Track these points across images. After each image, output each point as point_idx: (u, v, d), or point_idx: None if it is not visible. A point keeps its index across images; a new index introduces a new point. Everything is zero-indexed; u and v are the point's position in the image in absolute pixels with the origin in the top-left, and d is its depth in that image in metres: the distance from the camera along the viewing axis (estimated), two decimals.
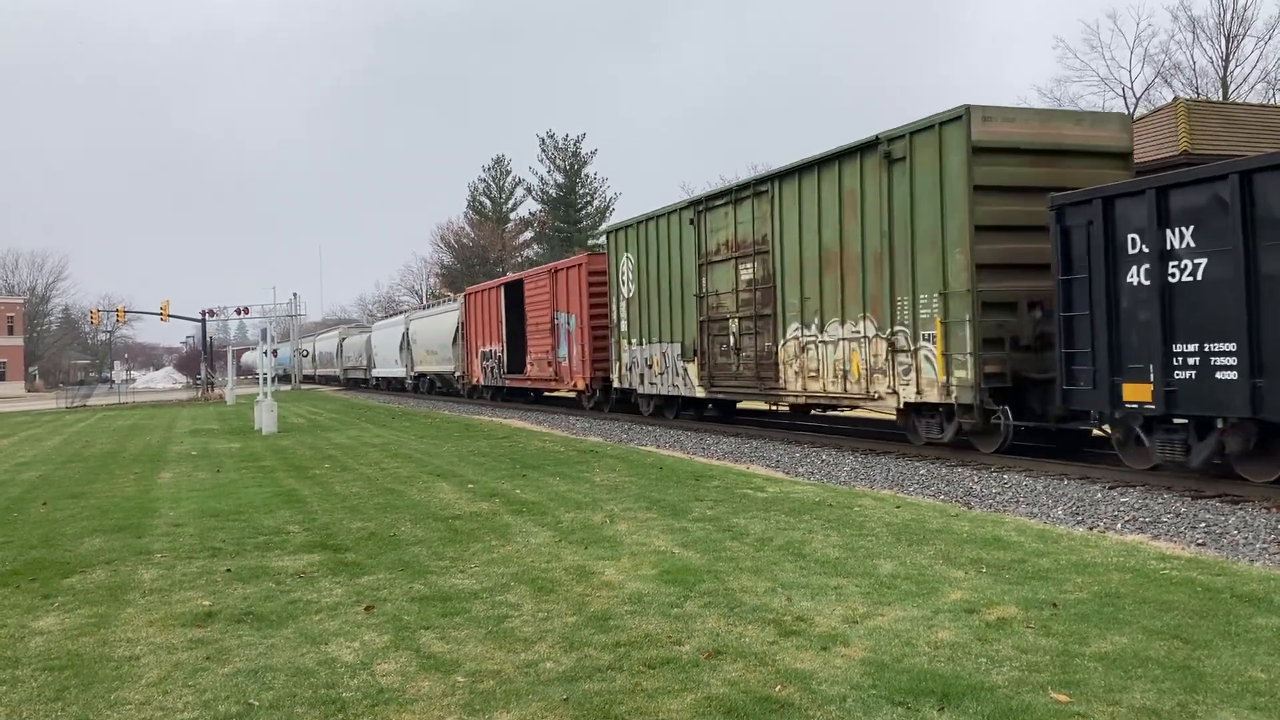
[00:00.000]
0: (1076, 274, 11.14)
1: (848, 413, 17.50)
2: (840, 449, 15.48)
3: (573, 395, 27.76)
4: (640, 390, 22.29)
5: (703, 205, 19.10)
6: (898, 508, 10.09)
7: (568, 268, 26.48)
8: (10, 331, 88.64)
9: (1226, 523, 8.79)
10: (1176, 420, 10.34)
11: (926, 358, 13.22)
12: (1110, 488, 10.69)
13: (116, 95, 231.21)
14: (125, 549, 9.37)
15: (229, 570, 8.26)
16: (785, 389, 16.61)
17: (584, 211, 75.82)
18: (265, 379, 26.93)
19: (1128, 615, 6.05)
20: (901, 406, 14.00)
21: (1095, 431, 12.34)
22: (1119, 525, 9.06)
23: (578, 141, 76.19)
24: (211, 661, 5.84)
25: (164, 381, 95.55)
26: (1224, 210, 9.57)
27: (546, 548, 8.72)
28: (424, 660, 5.72)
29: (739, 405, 21.79)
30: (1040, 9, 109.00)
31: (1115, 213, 10.70)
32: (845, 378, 14.93)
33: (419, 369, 43.44)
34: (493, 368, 32.74)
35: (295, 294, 67.38)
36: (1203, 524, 8.80)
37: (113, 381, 75.21)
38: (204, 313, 64.47)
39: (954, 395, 12.74)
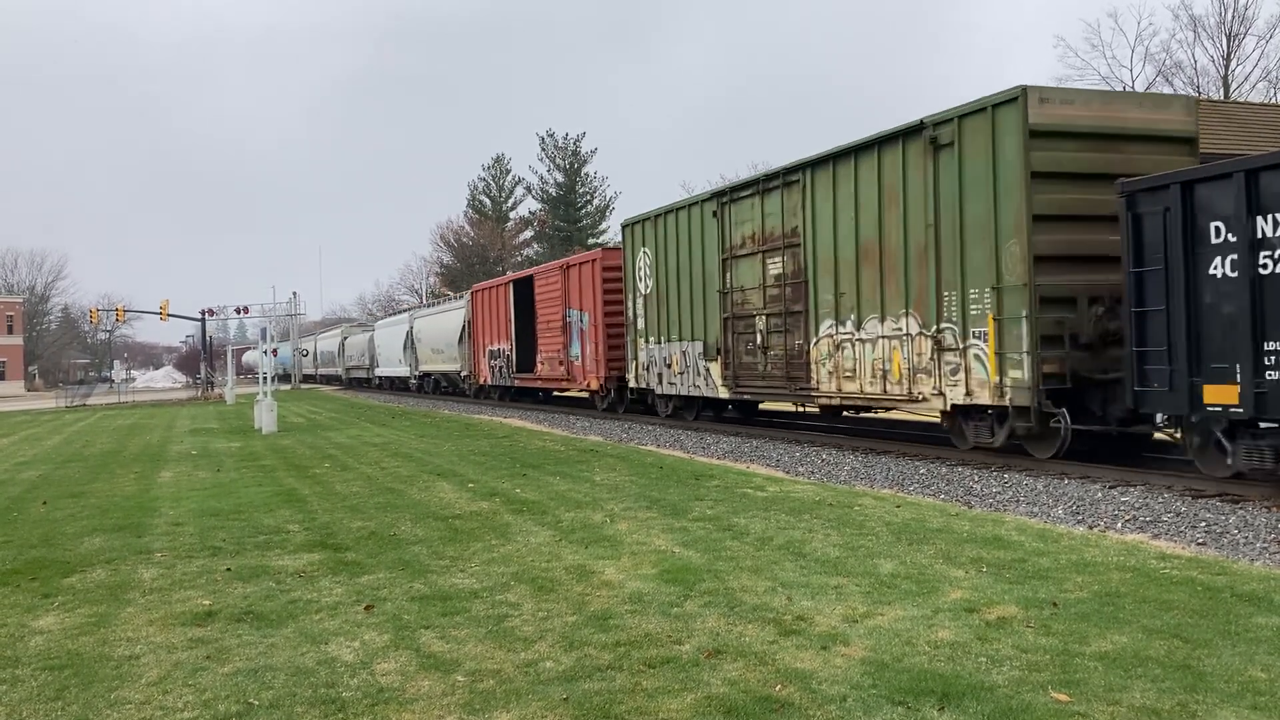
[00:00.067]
0: (1150, 266, 10.33)
1: (883, 415, 16.65)
2: (840, 449, 15.47)
3: (585, 395, 26.99)
4: (658, 390, 21.49)
5: (727, 196, 18.24)
6: (898, 507, 10.09)
7: (581, 263, 25.65)
8: (10, 331, 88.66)
9: (1227, 522, 8.79)
10: (1264, 425, 9.55)
11: (977, 357, 12.41)
12: (1110, 487, 10.69)
13: (116, 95, 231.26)
14: (125, 548, 9.37)
15: (229, 569, 8.26)
16: (818, 389, 15.73)
17: (584, 211, 75.84)
18: (265, 378, 26.93)
19: (1128, 614, 6.05)
20: (948, 409, 13.17)
21: (1156, 435, 11.77)
22: (1119, 524, 9.06)
23: (578, 141, 76.27)
24: (211, 661, 5.84)
25: (164, 381, 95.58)
26: None
27: (547, 547, 8.72)
28: (424, 660, 5.72)
29: (760, 407, 21.08)
30: (1040, 8, 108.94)
31: (1196, 199, 9.88)
32: (885, 378, 14.16)
33: (424, 368, 42.92)
34: (501, 367, 32.04)
35: (295, 293, 67.44)
36: (1203, 523, 8.80)
37: (112, 381, 75.16)
38: (204, 312, 64.52)
39: (1008, 397, 11.93)
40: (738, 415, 21.21)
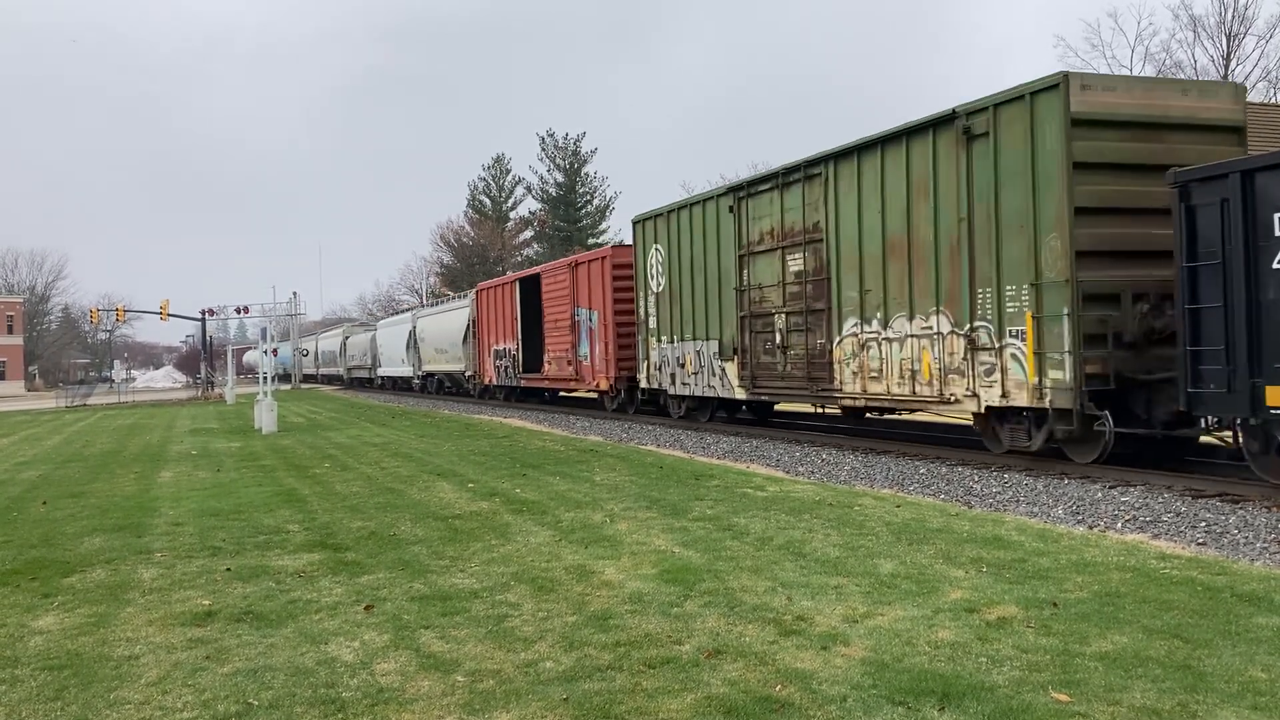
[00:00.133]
0: (1205, 260, 9.81)
1: (907, 416, 16.21)
2: (840, 449, 15.46)
3: (594, 396, 26.49)
4: (671, 391, 20.92)
5: (744, 191, 17.69)
6: (898, 507, 10.09)
7: (590, 261, 25.21)
8: (10, 331, 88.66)
9: (1227, 522, 8.79)
10: None
11: (1014, 356, 11.88)
12: (1110, 487, 10.68)
13: (116, 95, 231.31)
14: (125, 548, 9.37)
15: (229, 569, 8.25)
16: (841, 390, 15.15)
17: (584, 211, 75.85)
18: (265, 378, 26.92)
19: (1128, 615, 6.05)
20: (981, 411, 12.62)
21: (1203, 438, 11.53)
22: (1119, 524, 9.06)
23: (578, 140, 76.27)
24: (211, 661, 5.84)
25: (164, 381, 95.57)
26: None
27: (546, 547, 8.72)
28: (424, 660, 5.72)
29: (776, 408, 20.58)
30: (1040, 8, 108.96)
31: (1257, 188, 9.37)
32: (914, 378, 13.61)
33: (427, 368, 42.44)
34: (506, 367, 31.44)
35: (295, 293, 67.37)
36: (1203, 523, 8.80)
37: (112, 381, 75.21)
38: (204, 312, 64.53)
39: (1048, 399, 11.42)
40: (753, 417, 20.71)
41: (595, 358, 24.57)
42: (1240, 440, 10.24)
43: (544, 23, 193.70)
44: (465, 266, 74.04)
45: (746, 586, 7.04)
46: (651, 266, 21.52)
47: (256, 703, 5.12)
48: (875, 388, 14.44)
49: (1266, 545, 7.94)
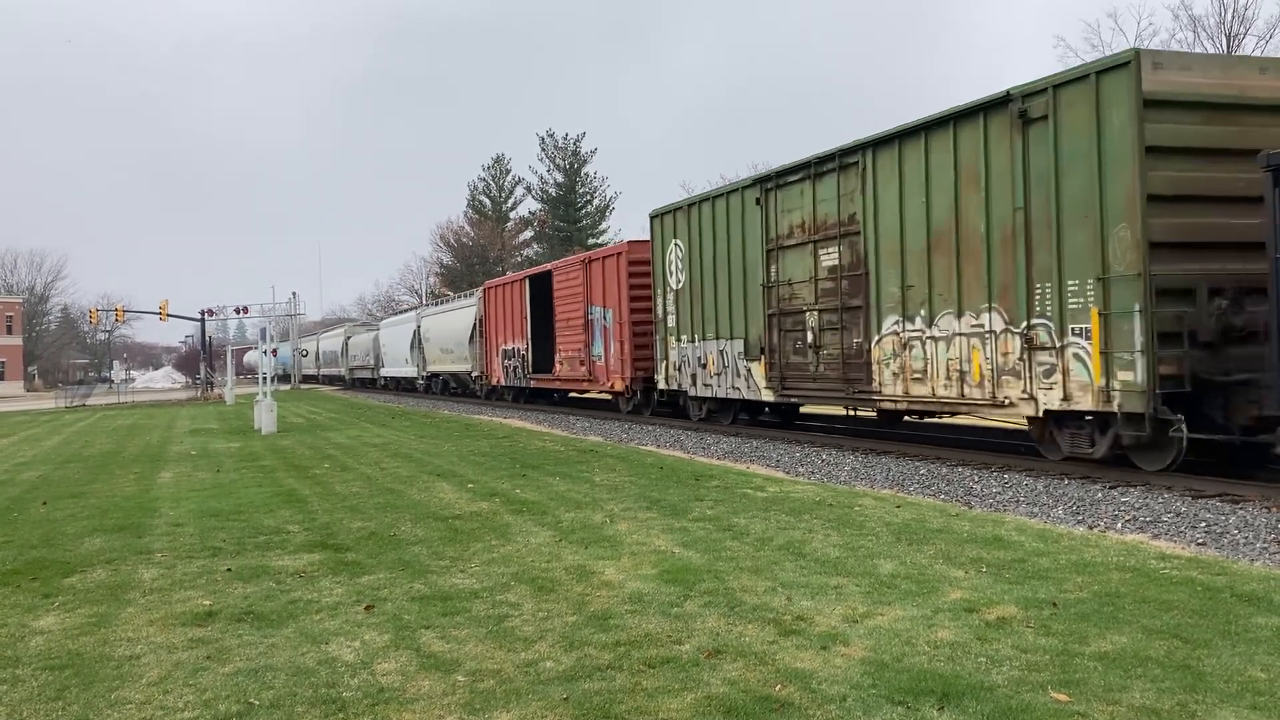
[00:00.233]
0: None
1: (948, 420, 15.56)
2: (840, 449, 15.46)
3: (608, 398, 25.80)
4: (692, 392, 20.14)
5: (771, 182, 16.87)
6: (898, 507, 10.09)
7: (604, 257, 24.53)
8: (9, 331, 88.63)
9: (1227, 522, 8.80)
10: None
11: (1077, 356, 11.15)
12: (1111, 487, 10.69)
13: (116, 95, 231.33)
14: (125, 548, 9.37)
15: (229, 570, 8.26)
16: (880, 392, 14.40)
17: (584, 211, 75.90)
18: (265, 379, 26.92)
19: (1128, 615, 6.05)
20: (1039, 415, 11.84)
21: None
22: (1119, 525, 9.06)
23: (577, 141, 76.33)
24: (212, 661, 5.84)
25: (163, 381, 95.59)
26: None
27: (547, 547, 8.72)
28: (424, 660, 5.72)
29: (803, 410, 19.82)
30: (1040, 8, 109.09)
31: None
32: (963, 380, 12.83)
33: (432, 368, 41.80)
34: (516, 367, 30.82)
35: (294, 293, 67.46)
36: (1203, 523, 8.80)
37: (112, 381, 75.26)
38: (203, 312, 64.57)
39: (1115, 402, 10.67)
40: (777, 420, 19.93)
41: (610, 357, 23.91)
42: None
43: (544, 23, 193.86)
44: (465, 267, 74.07)
45: (746, 587, 7.05)
46: (670, 262, 20.76)
47: (257, 702, 5.13)
48: (919, 390, 13.69)
49: (1266, 545, 7.95)
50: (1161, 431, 10.50)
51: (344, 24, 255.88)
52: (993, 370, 12.39)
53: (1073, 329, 11.24)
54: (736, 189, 18.30)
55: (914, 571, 7.30)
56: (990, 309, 12.40)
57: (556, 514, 10.42)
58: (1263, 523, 8.66)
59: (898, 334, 14.04)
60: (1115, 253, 10.72)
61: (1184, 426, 10.27)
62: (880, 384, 14.45)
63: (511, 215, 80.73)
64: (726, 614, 6.39)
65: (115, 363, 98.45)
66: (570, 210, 75.32)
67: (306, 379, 72.54)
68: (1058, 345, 11.43)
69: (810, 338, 16.02)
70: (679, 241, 20.31)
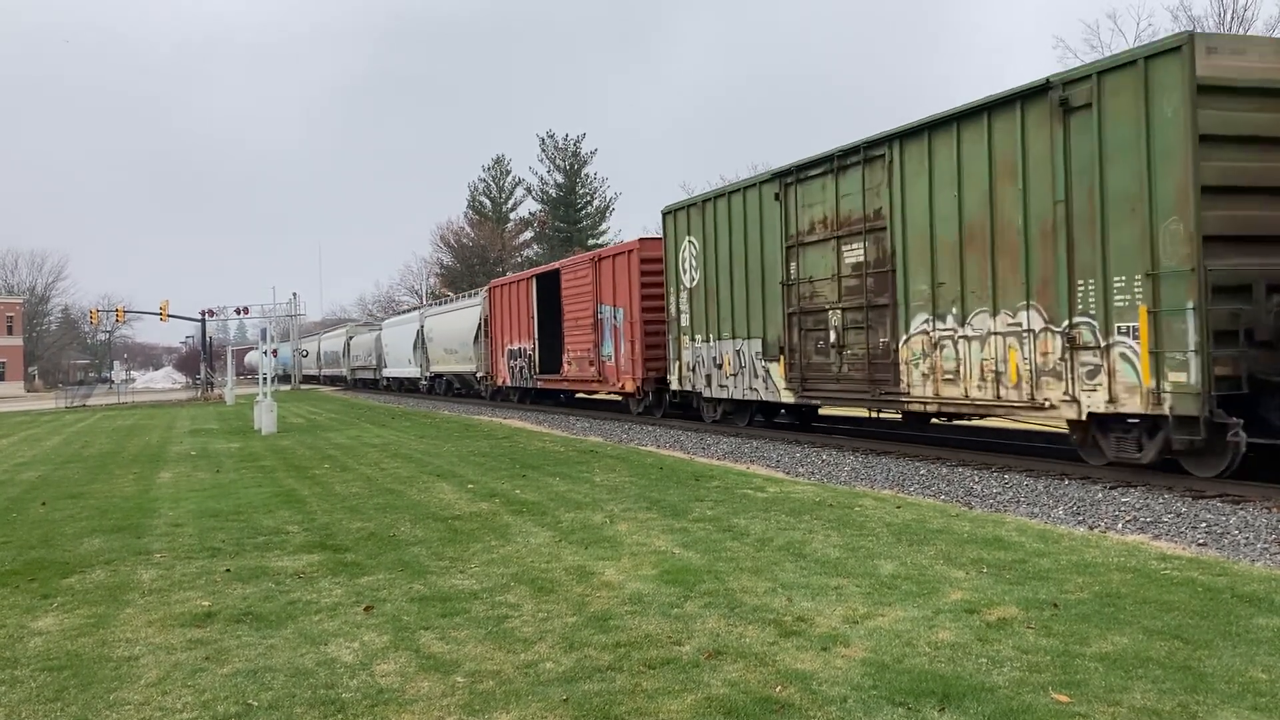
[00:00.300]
0: None
1: (978, 422, 15.05)
2: (840, 449, 15.45)
3: (618, 399, 25.19)
4: (706, 393, 19.54)
5: (792, 177, 16.29)
6: (898, 508, 10.08)
7: (615, 255, 23.90)
8: (10, 331, 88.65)
9: (1227, 523, 8.78)
10: None
11: (1124, 356, 10.63)
12: (1111, 488, 10.67)
13: (116, 95, 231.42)
14: (124, 549, 9.36)
15: (228, 570, 8.25)
16: (909, 394, 13.86)
17: (584, 211, 75.97)
18: (265, 379, 26.91)
19: (1128, 615, 6.04)
20: (1082, 417, 11.25)
21: None
22: (1120, 525, 9.05)
23: (578, 141, 76.42)
24: (211, 662, 5.83)
25: (163, 381, 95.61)
26: None
27: (546, 548, 8.71)
28: (424, 660, 5.71)
29: (821, 412, 19.46)
30: (1040, 9, 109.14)
31: None
32: (998, 381, 12.28)
33: (435, 369, 41.37)
34: (522, 367, 30.28)
35: (295, 294, 67.37)
36: (1204, 524, 8.79)
37: (112, 381, 75.23)
38: (203, 313, 64.57)
39: (1167, 405, 10.15)
40: (795, 422, 19.45)
41: (620, 358, 23.40)
42: None
43: (544, 23, 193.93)
44: (465, 267, 74.08)
45: (747, 587, 7.04)
46: (684, 260, 20.18)
47: (256, 703, 5.12)
48: (950, 391, 13.13)
49: (1267, 546, 7.93)
50: (1216, 435, 10.05)
51: (344, 24, 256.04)
52: (1031, 371, 11.87)
53: (1119, 327, 10.74)
54: (754, 184, 17.70)
55: (914, 572, 7.29)
56: (1028, 307, 11.87)
57: (556, 514, 10.41)
58: (1263, 523, 8.65)
59: (927, 333, 13.52)
60: (1165, 247, 10.20)
61: (1242, 430, 9.86)
62: (908, 385, 13.94)
63: (512, 216, 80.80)
64: (727, 615, 6.38)
65: (115, 363, 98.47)
66: (570, 211, 75.38)
67: (307, 379, 72.54)
68: (1102, 345, 10.92)
69: (833, 337, 15.53)
70: (693, 238, 19.81)
